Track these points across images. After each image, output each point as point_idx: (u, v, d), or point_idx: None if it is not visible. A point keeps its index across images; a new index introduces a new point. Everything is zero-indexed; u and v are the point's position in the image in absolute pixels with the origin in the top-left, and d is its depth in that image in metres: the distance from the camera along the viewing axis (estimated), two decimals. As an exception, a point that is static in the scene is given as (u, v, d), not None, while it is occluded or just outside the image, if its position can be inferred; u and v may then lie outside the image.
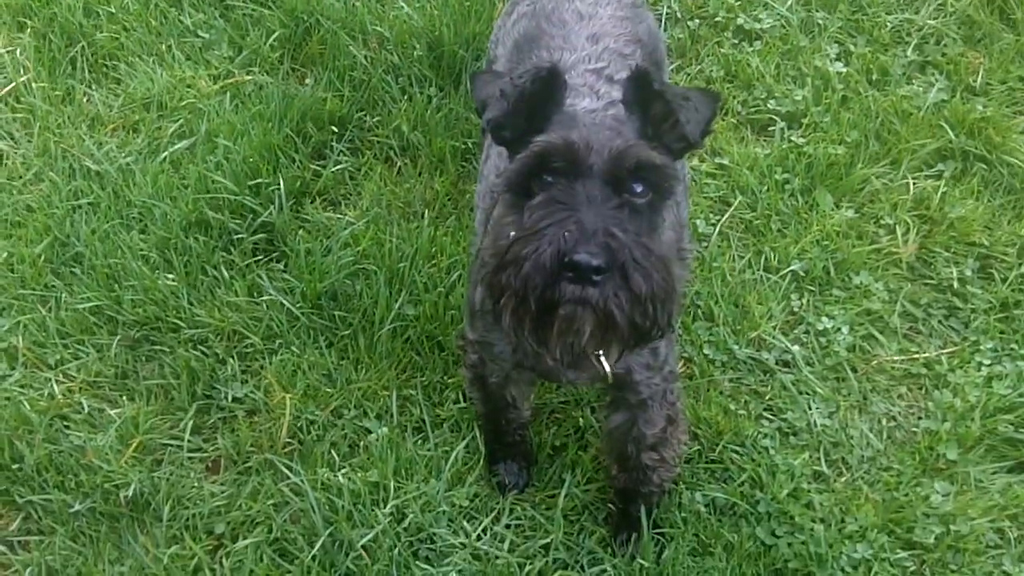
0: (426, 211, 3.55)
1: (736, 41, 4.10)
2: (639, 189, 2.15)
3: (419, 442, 3.08)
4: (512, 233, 2.15)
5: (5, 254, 3.45)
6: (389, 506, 2.92)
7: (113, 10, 4.14)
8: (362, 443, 3.09)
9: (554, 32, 2.91)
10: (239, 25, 4.11)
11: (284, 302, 3.32)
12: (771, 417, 3.14)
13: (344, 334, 3.27)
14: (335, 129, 3.79)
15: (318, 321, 3.30)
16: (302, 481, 2.97)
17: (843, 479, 3.04)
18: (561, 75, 2.26)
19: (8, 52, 4.07)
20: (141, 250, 3.44)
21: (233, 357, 3.25)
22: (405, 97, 3.87)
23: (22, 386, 3.19)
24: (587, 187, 2.09)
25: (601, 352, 2.28)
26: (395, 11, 4.11)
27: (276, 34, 4.05)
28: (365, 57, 3.97)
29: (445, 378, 3.19)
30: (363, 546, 2.86)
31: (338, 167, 3.70)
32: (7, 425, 3.08)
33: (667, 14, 4.16)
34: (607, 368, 2.37)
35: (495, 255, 2.15)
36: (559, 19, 2.94)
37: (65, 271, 3.42)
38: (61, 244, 3.48)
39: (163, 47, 4.07)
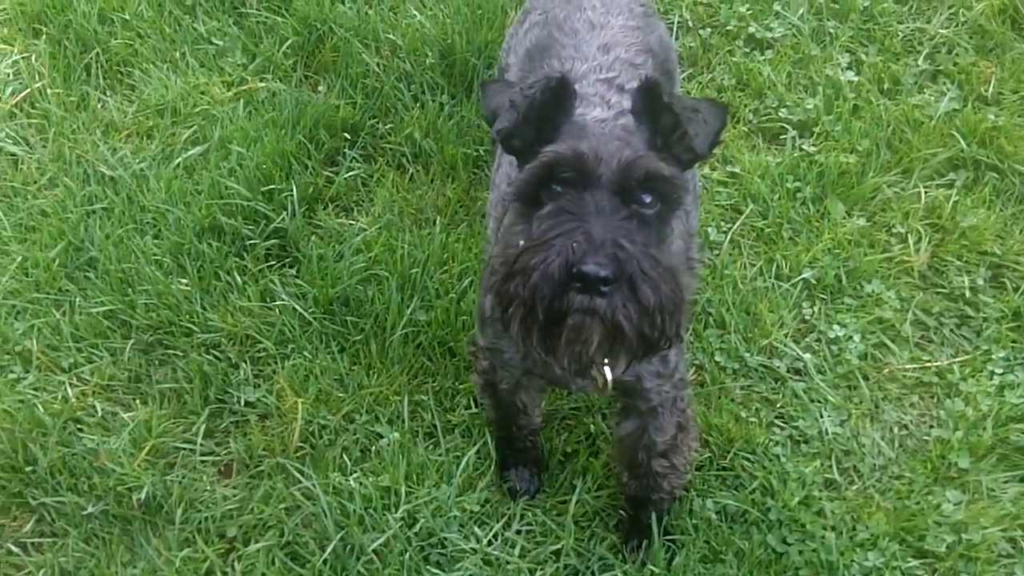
0: (438, 218, 3.56)
1: (747, 50, 4.11)
2: (648, 200, 2.15)
3: (430, 447, 3.09)
4: (521, 242, 2.16)
5: (20, 258, 3.47)
6: (400, 511, 2.93)
7: (127, 17, 4.17)
8: (373, 448, 3.09)
9: (565, 41, 2.92)
10: (252, 33, 4.14)
11: (296, 307, 3.33)
12: (782, 425, 3.14)
13: (356, 339, 3.28)
14: (348, 136, 3.81)
15: (330, 326, 3.31)
16: (314, 485, 2.98)
17: (854, 487, 3.03)
18: (571, 85, 2.27)
19: (23, 58, 4.09)
20: (155, 255, 3.46)
21: (246, 362, 3.26)
22: (417, 104, 3.89)
23: (36, 389, 3.21)
24: (596, 198, 2.10)
25: (608, 362, 2.28)
26: (407, 19, 4.13)
27: (289, 42, 4.07)
28: (378, 65, 3.99)
29: (456, 384, 3.19)
30: (374, 550, 2.87)
31: (351, 174, 3.71)
32: (21, 428, 3.09)
33: (679, 23, 4.17)
34: (608, 378, 2.37)
35: (504, 264, 2.16)
36: (570, 28, 2.95)
37: (79, 275, 3.44)
38: (75, 249, 3.49)
39: (177, 54, 4.09)
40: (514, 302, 2.10)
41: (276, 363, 3.27)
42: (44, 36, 4.16)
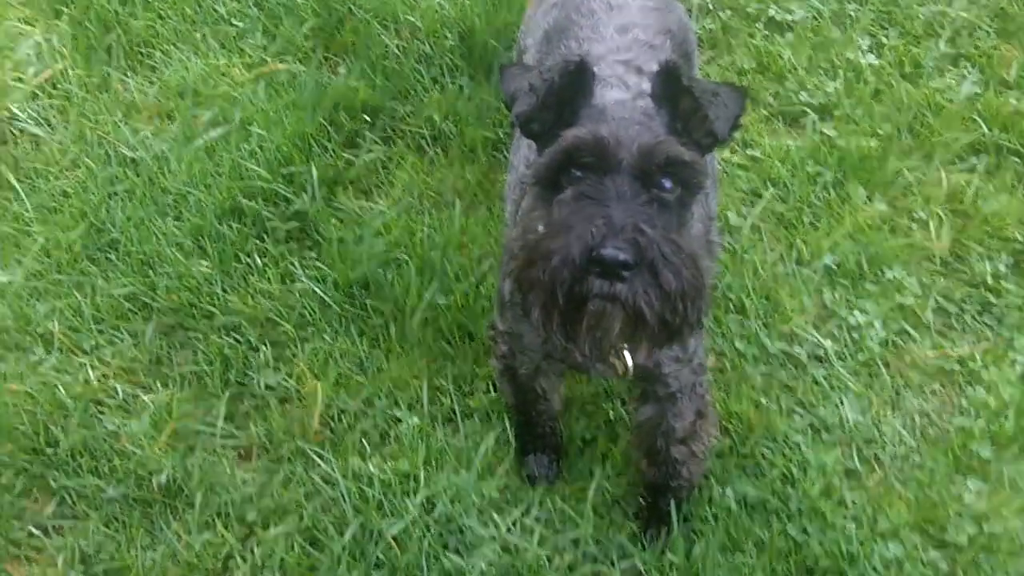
0: (457, 201, 3.55)
1: (767, 32, 4.08)
2: (668, 185, 2.14)
3: (449, 432, 3.09)
4: (540, 227, 2.15)
5: (42, 240, 3.48)
6: (419, 496, 2.93)
7: (150, -1, 4.17)
8: (393, 433, 3.09)
9: (583, 23, 2.89)
10: (273, 14, 4.12)
11: (316, 290, 3.33)
12: (803, 412, 3.12)
13: (375, 323, 3.29)
14: (367, 118, 3.79)
15: (350, 309, 3.32)
16: (333, 470, 2.99)
17: (875, 476, 3.02)
18: (590, 68, 2.25)
19: (45, 39, 4.09)
20: (176, 237, 3.46)
21: (266, 344, 3.26)
22: (437, 87, 3.88)
23: (57, 371, 3.22)
24: (616, 182, 2.08)
25: (628, 347, 2.27)
26: (427, 1, 4.11)
27: (309, 23, 4.06)
28: (397, 47, 3.98)
29: (476, 368, 3.19)
30: (393, 536, 2.87)
31: (370, 156, 3.71)
32: (42, 409, 3.11)
33: (699, 4, 4.14)
34: (629, 364, 2.37)
35: (523, 248, 2.15)
36: (588, 9, 2.92)
37: (100, 257, 3.45)
38: (97, 230, 3.50)
39: (198, 35, 4.08)
40: (534, 287, 2.09)
41: (296, 346, 3.27)
42: (66, 17, 4.15)
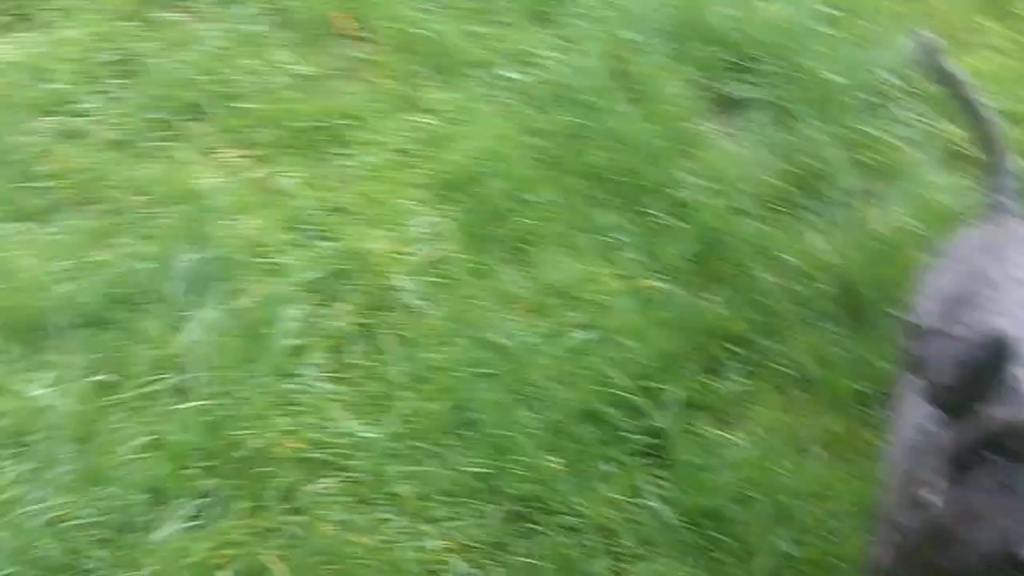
0: (820, 450, 3.42)
1: None
2: None
3: None
4: (945, 509, 2.01)
5: (407, 406, 3.62)
6: None
7: (536, 199, 4.40)
8: None
9: (988, 295, 2.77)
10: (650, 231, 4.25)
11: (662, 510, 3.25)
12: None
13: (719, 558, 3.15)
14: (732, 348, 3.77)
15: (694, 538, 3.20)
16: None
17: None
18: (1011, 346, 2.12)
19: (435, 221, 4.38)
20: (530, 428, 3.51)
21: (603, 553, 3.19)
22: (808, 329, 3.81)
23: (401, 533, 3.27)
24: None
25: None
26: (805, 243, 4.12)
27: (684, 245, 4.14)
28: (771, 282, 3.97)
29: (826, 632, 2.98)
30: None
31: (732, 386, 3.66)
32: (381, 566, 3.15)
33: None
34: None
35: (926, 529, 2.02)
36: (994, 282, 2.80)
37: (458, 432, 3.54)
38: (458, 407, 3.61)
39: (576, 241, 4.25)
40: (935, 574, 1.96)
41: (633, 562, 3.17)
42: (458, 204, 4.45)
